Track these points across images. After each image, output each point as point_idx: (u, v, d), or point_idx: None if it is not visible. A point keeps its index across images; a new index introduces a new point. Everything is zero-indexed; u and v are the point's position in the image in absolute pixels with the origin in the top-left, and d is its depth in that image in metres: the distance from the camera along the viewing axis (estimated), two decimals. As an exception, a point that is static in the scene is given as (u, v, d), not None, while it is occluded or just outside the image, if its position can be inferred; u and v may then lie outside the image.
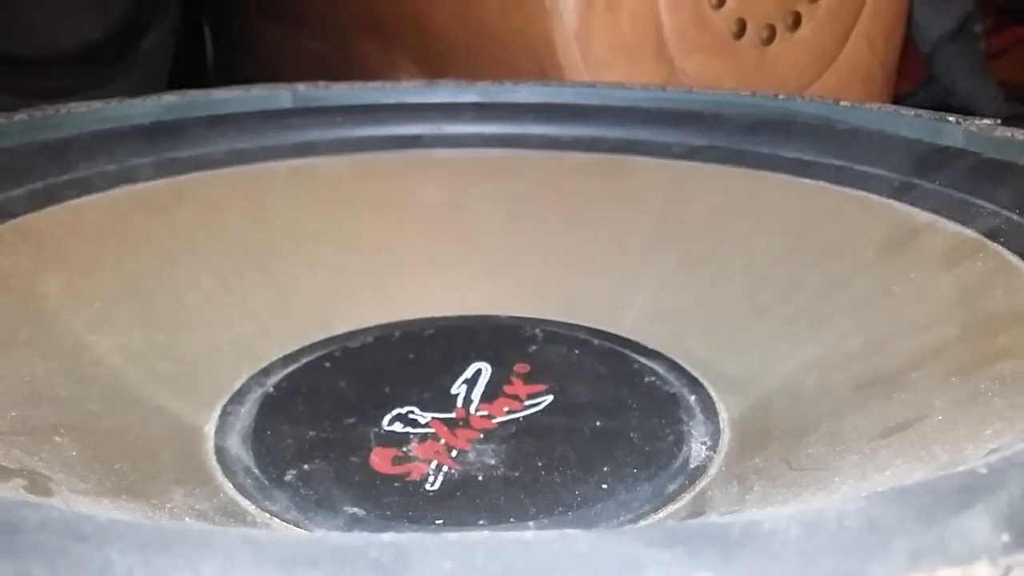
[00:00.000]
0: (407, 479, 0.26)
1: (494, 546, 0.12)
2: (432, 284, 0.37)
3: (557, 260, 0.38)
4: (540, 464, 0.27)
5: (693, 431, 0.29)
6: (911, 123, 0.35)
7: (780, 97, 0.40)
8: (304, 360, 0.33)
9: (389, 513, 0.25)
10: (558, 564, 0.11)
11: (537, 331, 0.36)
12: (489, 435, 0.29)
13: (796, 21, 0.56)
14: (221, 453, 0.27)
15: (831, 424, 0.25)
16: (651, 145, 0.40)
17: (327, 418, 0.29)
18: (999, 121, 0.34)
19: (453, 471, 0.27)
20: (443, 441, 0.28)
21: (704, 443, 0.28)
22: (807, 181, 0.36)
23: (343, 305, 0.36)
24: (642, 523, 0.25)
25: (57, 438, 0.22)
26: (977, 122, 0.34)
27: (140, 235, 0.33)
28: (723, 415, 0.30)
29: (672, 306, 0.35)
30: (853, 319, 0.30)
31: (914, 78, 0.79)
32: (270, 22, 0.78)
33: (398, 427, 0.29)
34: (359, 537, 0.11)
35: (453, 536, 0.12)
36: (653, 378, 0.32)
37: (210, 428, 0.28)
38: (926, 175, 0.33)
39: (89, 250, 0.31)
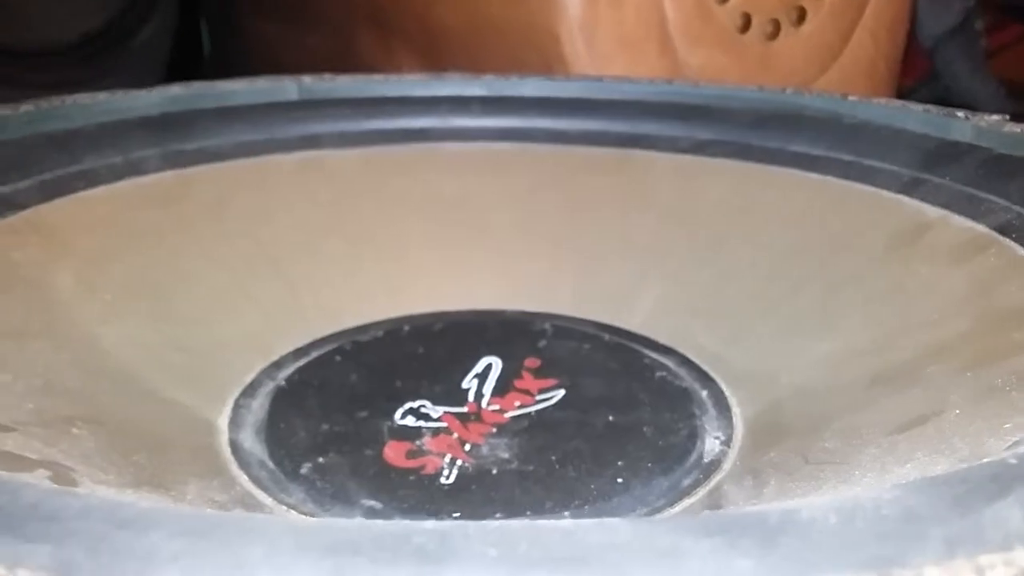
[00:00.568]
0: (422, 472, 0.26)
1: (536, 534, 0.12)
2: (441, 278, 0.37)
3: (565, 254, 0.38)
4: (554, 458, 0.27)
5: (706, 426, 0.29)
6: (920, 118, 0.36)
7: (788, 91, 0.40)
8: (314, 354, 0.33)
9: (406, 506, 0.25)
10: (599, 552, 0.11)
11: (547, 326, 0.36)
12: (502, 429, 0.29)
13: (801, 16, 0.56)
14: (235, 446, 0.27)
15: (846, 418, 0.25)
16: (658, 139, 0.40)
17: (339, 412, 0.29)
18: (1007, 117, 0.34)
19: (467, 465, 0.27)
20: (456, 435, 0.28)
21: (717, 438, 0.28)
22: (816, 176, 0.35)
23: (352, 298, 0.36)
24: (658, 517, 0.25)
25: (75, 430, 0.22)
26: (987, 118, 0.34)
27: (148, 227, 0.33)
28: (736, 410, 0.30)
29: (681, 301, 0.35)
30: (864, 314, 0.30)
31: (914, 74, 0.79)
32: (267, 15, 0.78)
33: (410, 421, 0.29)
34: (402, 524, 0.12)
35: (495, 524, 0.12)
36: (664, 373, 0.32)
37: (223, 421, 0.28)
38: (936, 170, 0.33)
39: (99, 242, 0.31)
